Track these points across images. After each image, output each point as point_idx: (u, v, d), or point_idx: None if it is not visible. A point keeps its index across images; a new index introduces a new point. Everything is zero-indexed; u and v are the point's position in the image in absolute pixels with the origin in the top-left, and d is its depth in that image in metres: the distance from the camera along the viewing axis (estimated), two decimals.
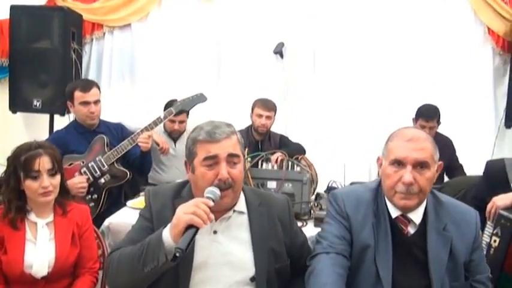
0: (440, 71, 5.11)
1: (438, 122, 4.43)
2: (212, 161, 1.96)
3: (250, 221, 2.09)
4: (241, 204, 2.12)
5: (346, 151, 5.10)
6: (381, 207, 2.07)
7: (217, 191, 1.91)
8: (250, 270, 2.01)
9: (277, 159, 3.36)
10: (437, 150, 2.01)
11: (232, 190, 1.99)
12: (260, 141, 4.67)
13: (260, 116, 4.58)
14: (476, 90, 5.10)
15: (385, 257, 1.99)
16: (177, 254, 1.71)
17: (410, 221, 2.04)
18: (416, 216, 2.04)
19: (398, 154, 1.96)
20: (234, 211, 2.08)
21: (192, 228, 1.77)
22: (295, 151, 4.08)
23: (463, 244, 2.03)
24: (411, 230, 2.04)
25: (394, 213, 2.04)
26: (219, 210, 2.00)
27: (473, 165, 4.44)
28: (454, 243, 2.01)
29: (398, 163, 1.97)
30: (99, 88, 3.81)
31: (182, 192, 2.13)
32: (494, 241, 2.72)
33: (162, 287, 1.96)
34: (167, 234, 1.81)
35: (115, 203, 3.71)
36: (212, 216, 1.83)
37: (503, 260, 2.64)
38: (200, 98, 3.82)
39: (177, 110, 3.81)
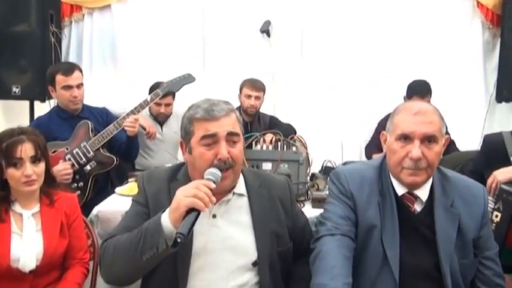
0: (429, 46, 5.06)
1: (430, 98, 4.37)
2: (211, 139, 1.88)
3: (251, 204, 2.01)
4: (241, 186, 2.04)
5: (338, 130, 5.06)
6: (385, 185, 2.00)
7: (218, 172, 1.82)
8: (252, 255, 1.94)
9: (271, 140, 3.27)
10: (444, 123, 1.93)
11: (232, 171, 1.91)
12: (249, 123, 4.61)
13: (249, 96, 4.52)
14: (466, 65, 5.07)
15: (391, 236, 1.92)
16: (179, 240, 1.61)
17: (417, 198, 1.97)
18: (423, 193, 1.97)
19: (406, 128, 1.89)
20: (234, 193, 2.00)
21: (193, 212, 1.68)
22: (286, 131, 4.01)
23: (472, 220, 1.97)
24: (418, 207, 1.98)
25: (400, 190, 1.97)
26: (219, 193, 1.91)
27: (464, 140, 4.45)
28: (463, 219, 1.95)
29: (405, 138, 1.89)
30: (81, 71, 3.69)
31: (178, 175, 2.04)
32: (496, 216, 2.70)
33: (160, 275, 1.89)
34: (166, 219, 1.72)
35: (102, 190, 3.61)
36: (214, 199, 1.74)
37: (505, 235, 2.62)
38: (188, 79, 3.70)
39: (164, 91, 3.70)
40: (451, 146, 4.49)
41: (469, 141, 4.49)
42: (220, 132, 1.87)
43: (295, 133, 4.25)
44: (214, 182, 1.77)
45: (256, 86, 4.54)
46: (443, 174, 2.04)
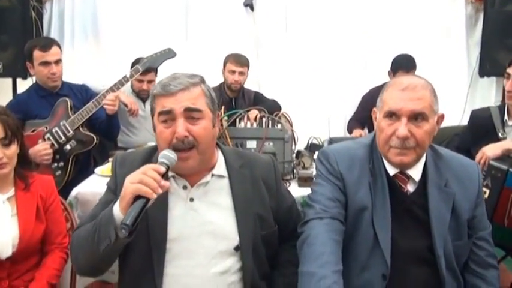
0: (412, 21, 5.03)
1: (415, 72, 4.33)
2: (167, 116, 1.78)
3: (232, 185, 1.92)
4: (221, 167, 1.94)
5: (323, 106, 5.03)
6: (377, 165, 1.92)
7: (172, 154, 1.72)
8: (234, 239, 1.86)
9: (255, 117, 3.20)
10: (437, 99, 1.85)
11: (196, 150, 1.79)
12: (234, 99, 4.56)
13: (233, 72, 4.46)
14: (449, 39, 5.05)
15: (383, 218, 1.85)
16: (123, 231, 1.52)
17: (409, 178, 1.91)
18: (416, 172, 1.90)
19: (393, 105, 1.81)
20: (213, 175, 1.91)
21: (140, 199, 1.58)
22: (271, 108, 3.94)
23: (466, 200, 1.92)
24: (411, 188, 1.91)
25: (392, 170, 1.90)
26: (192, 174, 1.84)
27: (447, 115, 4.34)
28: (457, 199, 1.89)
29: (393, 115, 1.82)
30: (59, 46, 3.58)
31: (153, 158, 1.91)
32: (485, 192, 2.63)
33: (136, 261, 1.82)
34: (117, 208, 1.64)
35: (83, 170, 3.52)
36: (167, 184, 1.64)
37: (493, 211, 2.60)
38: (168, 54, 3.60)
39: (144, 67, 3.60)
40: None
41: (451, 116, 4.41)
42: (177, 108, 1.77)
43: (280, 109, 4.21)
44: (168, 166, 1.68)
45: (240, 61, 4.48)
46: (437, 153, 1.97)
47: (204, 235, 1.83)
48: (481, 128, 3.21)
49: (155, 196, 1.59)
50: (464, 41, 5.03)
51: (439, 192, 1.89)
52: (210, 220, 1.85)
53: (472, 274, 1.93)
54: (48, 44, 3.50)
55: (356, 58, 5.07)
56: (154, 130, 1.85)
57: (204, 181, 1.88)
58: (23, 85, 4.39)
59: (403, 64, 4.31)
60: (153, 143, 3.74)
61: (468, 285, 1.92)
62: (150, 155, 1.95)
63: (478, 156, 2.83)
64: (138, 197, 1.57)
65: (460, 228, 1.90)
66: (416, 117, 1.79)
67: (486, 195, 2.70)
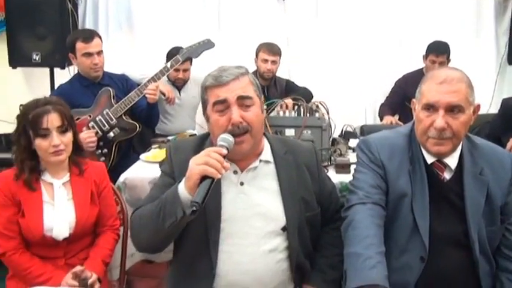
0: (442, 9, 5.02)
1: (448, 59, 4.40)
2: (222, 105, 1.90)
3: (278, 170, 2.04)
4: (267, 153, 2.06)
5: (354, 94, 5.05)
6: (415, 153, 2.01)
7: (230, 138, 1.84)
8: (281, 221, 1.98)
9: (292, 106, 3.29)
10: (473, 90, 1.92)
11: (250, 135, 1.91)
12: (266, 87, 4.61)
13: (265, 60, 4.52)
14: (478, 27, 5.05)
15: (422, 205, 1.94)
16: (194, 208, 1.65)
17: (446, 166, 1.99)
18: (453, 160, 1.98)
19: (430, 98, 1.89)
20: (261, 161, 2.03)
21: (207, 179, 1.70)
22: (303, 96, 4.01)
23: (499, 187, 1.98)
24: (447, 175, 1.99)
25: (430, 159, 1.99)
26: (242, 159, 1.96)
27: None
28: (491, 187, 1.97)
29: (431, 107, 1.90)
30: (100, 38, 3.69)
31: (204, 145, 2.06)
32: None
33: (192, 240, 1.95)
34: (182, 188, 1.77)
35: (125, 156, 3.65)
36: (228, 165, 1.76)
37: None
38: (207, 45, 3.70)
39: (184, 57, 3.70)
40: None
41: (480, 104, 4.46)
42: (230, 97, 1.89)
43: (312, 97, 4.30)
44: (227, 148, 1.80)
45: (272, 50, 4.53)
46: (472, 142, 2.05)
47: (254, 216, 1.96)
48: (511, 116, 3.26)
49: (219, 176, 1.71)
50: (493, 29, 5.02)
51: (474, 180, 1.96)
52: (258, 203, 1.97)
53: (504, 257, 2.00)
54: (90, 35, 3.60)
55: (387, 46, 5.06)
56: (208, 120, 1.97)
57: (253, 166, 2.00)
58: (61, 75, 4.52)
59: (433, 48, 4.40)
60: (190, 130, 3.90)
61: (500, 268, 1.99)
62: (202, 143, 2.08)
63: (509, 144, 2.89)
64: (204, 178, 1.70)
65: (493, 214, 1.97)
66: (452, 109, 1.87)
67: None
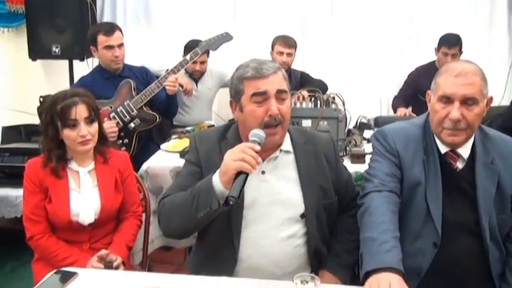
0: (456, 2, 5.03)
1: (460, 51, 4.43)
2: (261, 97, 1.97)
3: (297, 160, 2.12)
4: (287, 144, 2.14)
5: (369, 86, 5.07)
6: (429, 143, 2.08)
7: (262, 133, 1.92)
8: (300, 208, 2.06)
9: (308, 96, 3.36)
10: (487, 83, 1.99)
11: (281, 127, 2.00)
12: None
13: (281, 53, 4.56)
14: (490, 19, 5.03)
15: (435, 192, 2.01)
16: (231, 202, 1.76)
17: (459, 156, 2.05)
18: (465, 150, 2.05)
19: (446, 90, 1.95)
20: (281, 151, 2.11)
21: (242, 175, 1.79)
22: (318, 87, 4.06)
23: (510, 177, 2.05)
24: (460, 165, 2.06)
25: (443, 149, 2.06)
26: (267, 150, 2.03)
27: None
28: (502, 176, 2.03)
29: (446, 99, 1.96)
30: (121, 31, 3.77)
31: (227, 134, 2.15)
32: None
33: (215, 226, 2.01)
34: (217, 181, 1.85)
35: (145, 146, 3.74)
36: (260, 159, 1.86)
37: None
38: (225, 38, 3.77)
39: (203, 50, 3.79)
40: None
41: (492, 96, 4.46)
42: (270, 89, 1.96)
43: (327, 89, 4.36)
44: (259, 144, 1.88)
45: (288, 43, 4.58)
46: (484, 133, 2.11)
47: (275, 204, 2.04)
48: None
49: (254, 172, 1.81)
50: (505, 21, 5.01)
51: (485, 170, 2.03)
52: (279, 191, 2.06)
53: None
54: (112, 29, 3.68)
55: (400, 39, 5.08)
56: (241, 110, 2.03)
57: (274, 156, 2.09)
58: (80, 67, 4.63)
59: (446, 40, 4.43)
60: (208, 121, 3.97)
61: (510, 254, 2.06)
62: (225, 132, 2.17)
63: None
64: (239, 173, 1.79)
65: (504, 202, 2.03)
66: (467, 101, 1.93)
67: None
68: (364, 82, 5.08)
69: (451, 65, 2.04)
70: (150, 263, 3.25)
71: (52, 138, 2.39)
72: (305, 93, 3.46)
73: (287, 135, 2.15)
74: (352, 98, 4.43)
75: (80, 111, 2.34)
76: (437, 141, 2.07)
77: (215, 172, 1.88)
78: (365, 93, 4.99)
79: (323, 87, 4.40)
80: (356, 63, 5.12)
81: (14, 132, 4.02)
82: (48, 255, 2.39)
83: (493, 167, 2.04)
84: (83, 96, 2.39)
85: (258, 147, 1.85)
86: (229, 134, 2.15)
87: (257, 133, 1.91)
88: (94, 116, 2.40)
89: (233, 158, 1.81)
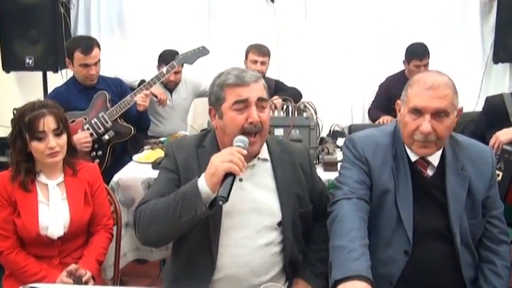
0: (427, 9, 5.06)
1: (429, 59, 4.43)
2: (243, 104, 1.98)
3: (274, 168, 2.14)
4: (264, 152, 2.16)
5: (342, 94, 5.11)
6: (399, 151, 2.09)
7: (246, 139, 1.94)
8: (277, 216, 2.08)
9: (281, 106, 3.36)
10: (457, 95, 1.99)
11: (260, 136, 2.02)
12: None
13: (255, 62, 4.58)
14: (463, 26, 5.08)
15: (406, 200, 2.02)
16: (220, 202, 1.77)
17: (429, 163, 2.06)
18: (435, 158, 2.06)
19: (417, 103, 1.95)
20: (258, 159, 2.12)
21: (230, 176, 1.81)
22: (293, 95, 4.07)
23: (481, 182, 2.07)
24: (430, 172, 2.07)
25: (413, 157, 2.07)
26: (245, 158, 2.00)
27: (461, 102, 4.39)
28: (472, 181, 2.05)
29: (417, 112, 1.96)
30: (99, 46, 3.72)
31: (204, 142, 2.16)
32: (498, 175, 2.80)
33: (193, 234, 2.01)
34: (203, 184, 1.85)
35: (119, 158, 3.71)
36: (246, 163, 1.86)
37: (506, 193, 2.77)
38: (202, 52, 3.78)
39: (180, 63, 3.81)
40: None
41: (466, 103, 4.46)
42: (252, 97, 1.98)
43: (301, 97, 4.37)
44: (244, 148, 1.90)
45: (262, 51, 4.59)
46: (455, 140, 2.12)
47: (252, 211, 2.05)
48: (494, 114, 3.33)
49: (241, 173, 1.83)
50: (478, 28, 5.04)
51: (455, 176, 2.04)
52: (256, 198, 2.07)
53: (486, 249, 2.10)
54: (90, 47, 3.61)
55: (373, 47, 5.12)
56: (220, 117, 2.03)
57: (251, 164, 2.09)
58: (54, 78, 4.61)
59: (415, 52, 4.40)
60: (182, 132, 3.95)
61: (482, 259, 2.08)
62: (201, 141, 2.17)
63: (492, 141, 2.97)
64: (227, 175, 1.80)
65: (475, 208, 2.06)
66: (439, 114, 1.93)
67: (499, 178, 2.84)
68: (338, 90, 5.12)
69: (423, 76, 2.03)
70: (124, 278, 3.22)
71: (20, 150, 2.37)
72: (278, 101, 3.46)
73: (264, 144, 2.16)
74: (326, 106, 4.51)
75: (48, 122, 2.32)
76: (407, 149, 2.08)
77: (199, 176, 1.88)
78: (339, 101, 5.02)
79: (298, 95, 4.43)
80: (330, 71, 5.15)
81: None
82: (17, 271, 2.36)
83: (464, 173, 2.06)
84: (51, 108, 2.37)
85: (245, 152, 1.88)
86: (207, 142, 2.15)
87: (242, 139, 1.94)
88: (63, 128, 2.38)
89: (222, 160, 1.83)
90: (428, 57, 4.41)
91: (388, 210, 2.04)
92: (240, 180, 2.05)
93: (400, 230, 2.01)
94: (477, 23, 5.05)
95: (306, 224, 2.20)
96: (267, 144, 2.17)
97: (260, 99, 2.00)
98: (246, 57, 4.65)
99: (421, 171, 2.06)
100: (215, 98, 2.05)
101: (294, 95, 4.15)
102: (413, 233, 1.99)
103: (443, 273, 2.02)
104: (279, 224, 2.08)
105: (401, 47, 4.65)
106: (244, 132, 1.97)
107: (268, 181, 2.12)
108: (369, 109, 4.88)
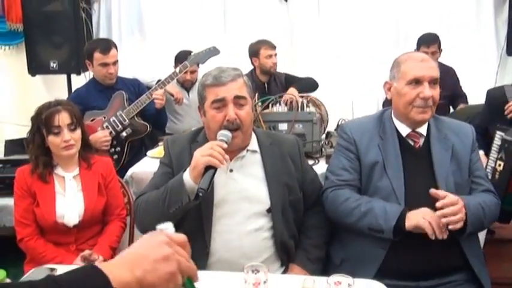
0: (439, 1, 5.12)
1: (439, 49, 4.51)
2: (220, 103, 2.11)
3: (263, 159, 2.26)
4: (254, 144, 2.28)
5: (353, 90, 5.14)
6: (388, 129, 2.29)
7: (229, 133, 2.07)
8: (266, 203, 2.20)
9: (287, 101, 3.46)
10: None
11: (241, 131, 2.13)
12: (266, 83, 4.75)
13: (270, 56, 4.66)
14: (477, 19, 5.13)
15: (396, 168, 2.22)
16: (200, 194, 1.90)
17: (420, 134, 2.27)
18: (423, 129, 2.29)
19: (416, 73, 2.19)
20: (248, 150, 2.24)
21: (210, 169, 1.93)
22: (308, 85, 4.16)
23: (464, 147, 2.29)
24: (421, 142, 2.28)
25: (405, 131, 2.28)
26: (233, 150, 2.16)
27: (476, 94, 4.50)
28: (455, 147, 2.27)
29: (416, 81, 2.19)
30: (117, 48, 3.89)
31: (197, 137, 2.30)
32: (499, 165, 2.83)
33: (188, 224, 2.11)
34: (187, 177, 1.99)
35: (137, 154, 3.86)
36: (227, 156, 1.99)
37: (507, 182, 2.76)
38: (213, 52, 3.90)
39: (192, 63, 3.94)
40: (462, 99, 4.61)
41: (481, 95, 4.38)
42: (228, 96, 2.10)
43: (317, 85, 4.45)
44: (226, 142, 2.03)
45: (272, 44, 4.68)
46: (435, 117, 2.36)
47: (242, 199, 2.18)
48: (496, 105, 3.38)
49: (221, 166, 1.96)
50: (492, 20, 5.09)
51: (439, 143, 2.27)
52: (246, 187, 2.20)
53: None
54: (108, 47, 3.80)
55: (387, 42, 5.19)
56: (204, 115, 2.19)
57: (241, 155, 2.23)
58: (77, 80, 4.79)
59: (424, 40, 4.51)
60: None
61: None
62: (195, 136, 2.32)
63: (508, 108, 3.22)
64: (207, 168, 1.94)
65: (460, 169, 2.26)
66: (433, 81, 2.20)
67: (501, 168, 2.88)
68: (347, 85, 5.19)
69: (410, 54, 2.34)
70: None
71: (39, 145, 2.55)
72: (285, 98, 3.56)
73: (254, 137, 2.29)
74: (340, 101, 4.57)
75: (63, 118, 2.50)
76: (399, 124, 2.29)
77: (185, 170, 2.02)
78: (349, 96, 4.94)
79: (313, 84, 4.50)
80: (344, 67, 5.24)
81: (16, 144, 4.23)
82: (37, 256, 2.53)
83: (446, 141, 2.28)
84: (66, 105, 2.56)
85: (225, 145, 2.01)
86: (200, 137, 2.29)
87: (225, 133, 2.07)
88: (76, 123, 2.56)
89: (202, 153, 1.96)
90: (439, 47, 4.48)
91: (379, 180, 2.22)
92: (231, 170, 2.19)
93: (392, 198, 2.18)
94: (491, 15, 5.10)
95: (297, 211, 2.32)
96: (257, 137, 2.30)
97: (237, 97, 2.12)
98: (257, 55, 4.70)
99: (413, 143, 2.28)
100: (200, 97, 2.21)
101: (309, 84, 4.24)
102: (404, 201, 2.16)
103: None
104: (268, 210, 2.19)
105: (416, 41, 4.67)
106: (223, 129, 2.10)
107: (258, 171, 2.24)
108: (383, 103, 4.95)
